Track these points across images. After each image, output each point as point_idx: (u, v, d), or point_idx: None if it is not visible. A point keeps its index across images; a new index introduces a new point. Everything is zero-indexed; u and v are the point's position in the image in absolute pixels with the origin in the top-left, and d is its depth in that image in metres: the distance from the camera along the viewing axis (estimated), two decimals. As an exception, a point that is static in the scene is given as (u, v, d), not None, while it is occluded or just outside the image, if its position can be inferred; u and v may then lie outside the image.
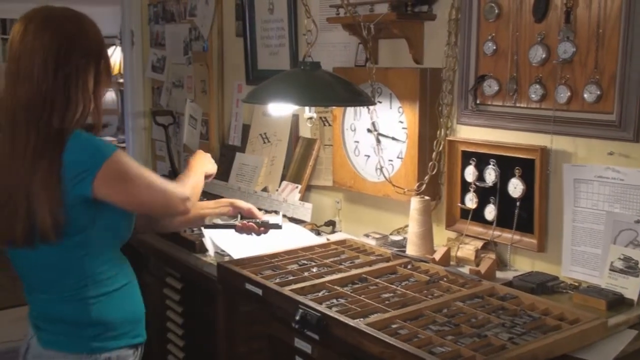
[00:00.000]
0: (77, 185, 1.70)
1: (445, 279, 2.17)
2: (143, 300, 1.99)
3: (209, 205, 2.28)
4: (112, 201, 1.76)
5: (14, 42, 1.73)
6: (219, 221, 2.33)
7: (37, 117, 1.71)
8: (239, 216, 2.31)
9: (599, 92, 2.05)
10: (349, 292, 2.04)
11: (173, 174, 4.28)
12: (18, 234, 1.72)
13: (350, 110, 2.86)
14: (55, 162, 1.69)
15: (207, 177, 2.17)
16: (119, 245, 1.91)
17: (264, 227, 2.31)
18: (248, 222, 2.29)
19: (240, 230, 2.30)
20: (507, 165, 2.32)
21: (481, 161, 2.40)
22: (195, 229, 2.73)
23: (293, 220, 2.97)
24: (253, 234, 2.31)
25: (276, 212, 3.05)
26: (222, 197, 3.38)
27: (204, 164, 2.17)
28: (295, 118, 3.26)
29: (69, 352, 1.80)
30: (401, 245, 2.56)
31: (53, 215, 1.69)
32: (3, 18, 9.37)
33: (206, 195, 3.44)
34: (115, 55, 6.37)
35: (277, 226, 2.33)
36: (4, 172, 1.74)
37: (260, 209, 3.12)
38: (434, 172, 2.54)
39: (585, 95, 2.08)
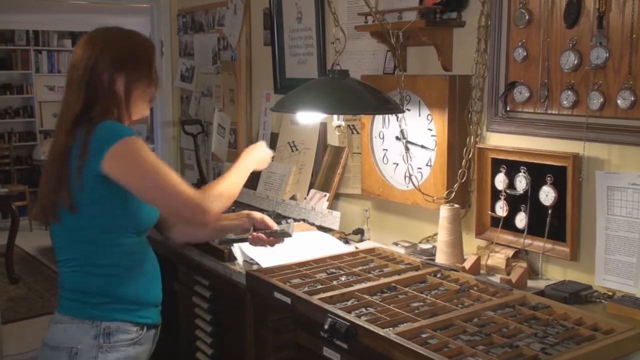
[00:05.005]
0: (91, 161, 1.84)
1: (475, 288, 2.14)
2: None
3: (229, 217, 2.28)
4: (121, 182, 1.85)
5: (71, 57, 2.03)
6: (232, 235, 2.29)
7: (77, 117, 1.92)
8: (252, 227, 2.27)
9: (632, 98, 2.02)
10: (378, 301, 2.02)
11: (202, 183, 4.31)
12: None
13: (378, 118, 2.85)
14: (84, 142, 1.86)
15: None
16: (137, 229, 1.98)
17: (274, 237, 2.25)
18: (258, 233, 2.25)
19: (253, 242, 2.26)
20: (538, 173, 2.29)
21: (512, 169, 2.37)
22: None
23: (321, 228, 2.96)
24: (267, 245, 2.27)
25: (295, 220, 3.03)
26: (250, 206, 3.42)
27: (249, 160, 2.20)
28: (323, 126, 3.26)
29: (75, 317, 1.95)
30: (430, 253, 2.54)
31: (57, 197, 1.90)
32: (35, 30, 9.56)
33: (240, 205, 3.47)
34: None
35: (286, 234, 2.27)
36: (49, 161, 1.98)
37: (286, 217, 3.14)
38: (463, 180, 2.51)
39: (619, 101, 2.05)
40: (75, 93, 1.94)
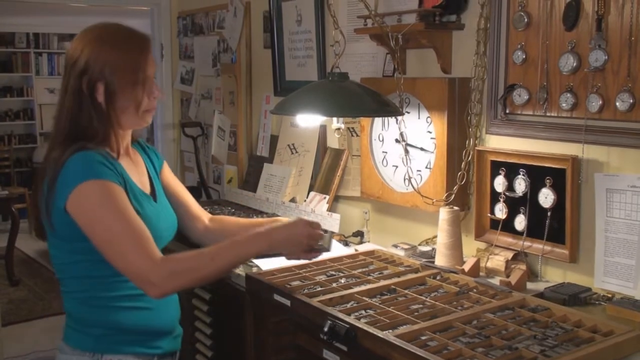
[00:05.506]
0: (58, 196, 1.71)
1: (475, 290, 2.15)
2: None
3: (262, 222, 2.12)
4: (79, 225, 1.70)
5: None
6: None
7: (61, 131, 1.79)
8: None
9: (631, 101, 2.02)
10: (377, 303, 2.02)
11: (202, 185, 4.32)
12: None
13: (378, 120, 2.86)
14: (54, 173, 1.73)
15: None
16: None
17: (312, 252, 2.07)
18: None
19: (288, 256, 2.05)
20: (538, 175, 2.29)
21: (511, 171, 2.37)
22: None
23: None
24: (302, 259, 2.08)
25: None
26: (249, 209, 3.42)
27: (259, 241, 1.86)
28: (323, 129, 3.26)
29: (74, 347, 1.82)
30: (430, 255, 2.54)
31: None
32: (36, 32, 9.57)
33: (240, 207, 3.47)
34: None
35: (324, 249, 2.08)
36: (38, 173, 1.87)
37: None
38: (462, 182, 2.52)
39: (618, 104, 2.05)
40: (62, 100, 1.80)
